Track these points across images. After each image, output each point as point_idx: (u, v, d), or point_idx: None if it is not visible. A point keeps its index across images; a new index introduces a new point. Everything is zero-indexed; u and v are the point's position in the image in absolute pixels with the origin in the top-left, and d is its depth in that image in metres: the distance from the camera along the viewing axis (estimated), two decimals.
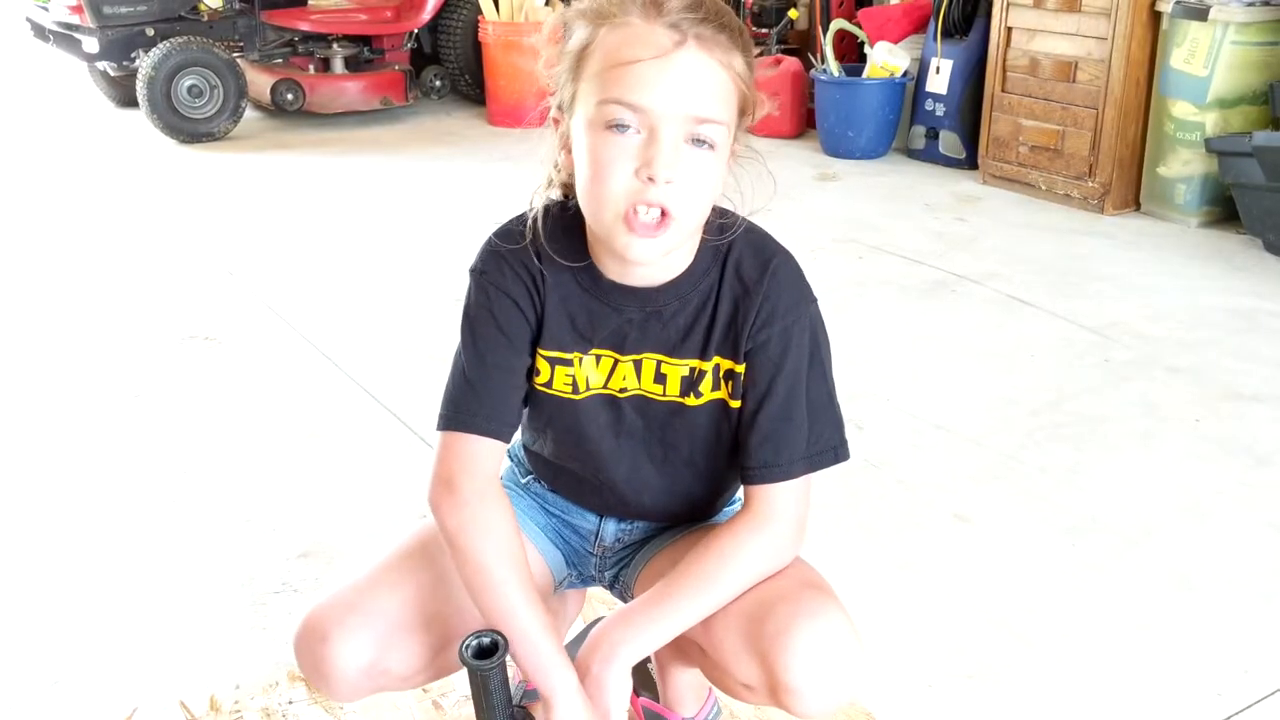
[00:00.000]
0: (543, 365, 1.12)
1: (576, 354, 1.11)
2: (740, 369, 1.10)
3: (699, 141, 0.99)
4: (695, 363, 1.11)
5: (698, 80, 0.98)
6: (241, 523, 1.99)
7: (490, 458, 1.09)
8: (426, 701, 1.51)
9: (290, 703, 1.51)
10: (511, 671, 1.09)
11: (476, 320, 1.10)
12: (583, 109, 1.01)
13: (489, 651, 1.05)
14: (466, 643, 1.05)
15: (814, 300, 1.11)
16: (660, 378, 1.12)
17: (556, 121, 1.07)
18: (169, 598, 1.78)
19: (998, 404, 2.50)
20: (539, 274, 1.09)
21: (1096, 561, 1.91)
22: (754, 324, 1.08)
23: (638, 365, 1.11)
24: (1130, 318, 2.99)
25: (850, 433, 1.14)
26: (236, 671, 1.59)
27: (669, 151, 0.97)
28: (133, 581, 1.83)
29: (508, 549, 1.07)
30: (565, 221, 1.09)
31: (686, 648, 1.17)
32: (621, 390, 1.13)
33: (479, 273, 1.11)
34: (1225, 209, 3.76)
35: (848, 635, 1.06)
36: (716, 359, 1.10)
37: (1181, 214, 3.83)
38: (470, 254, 1.14)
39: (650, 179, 0.98)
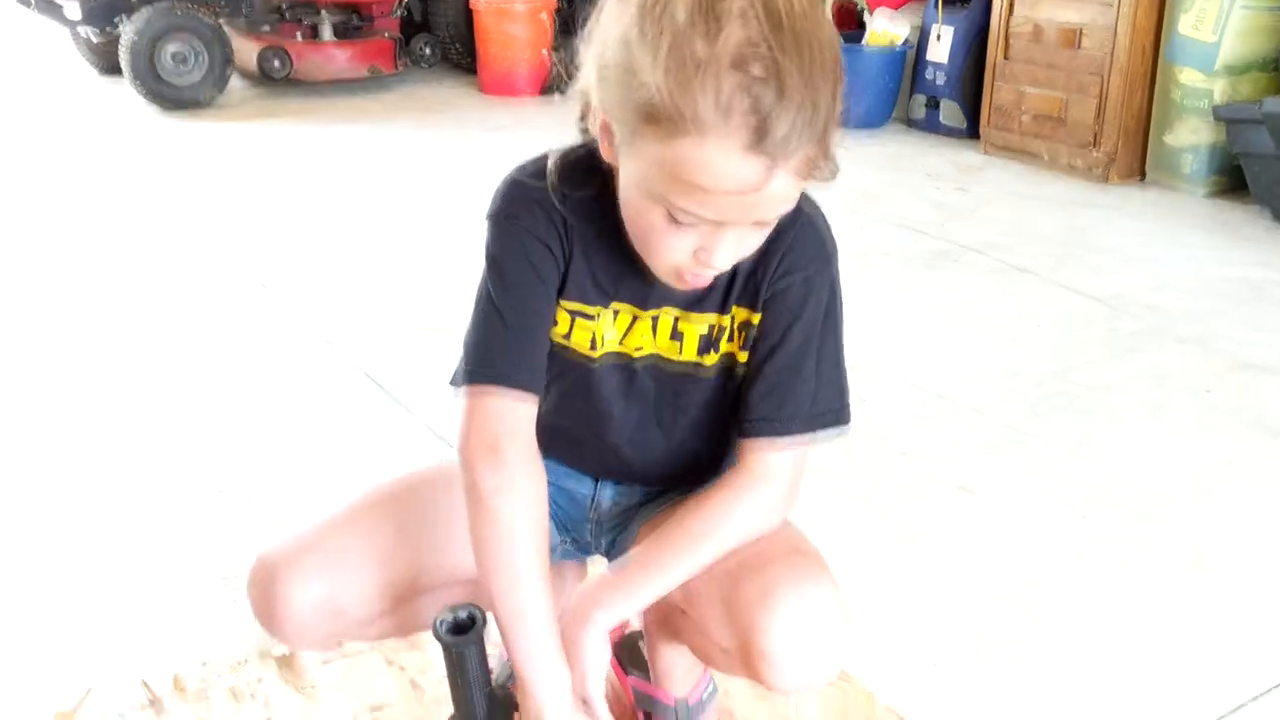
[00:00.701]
0: (563, 317, 1.05)
1: (598, 307, 1.05)
2: (757, 318, 1.04)
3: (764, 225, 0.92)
4: (714, 318, 1.05)
5: (779, 200, 0.88)
6: (214, 494, 1.92)
7: (529, 414, 1.02)
8: (404, 680, 1.43)
9: (260, 681, 1.43)
10: (496, 650, 1.01)
11: (507, 265, 1.02)
12: (635, 169, 0.90)
13: (465, 627, 0.97)
14: (441, 618, 0.97)
15: (837, 257, 1.05)
16: (677, 334, 1.05)
17: (591, 110, 0.94)
18: (134, 570, 1.70)
19: (1002, 375, 2.42)
20: (566, 219, 1.02)
21: (1105, 535, 1.84)
22: (776, 271, 1.02)
23: (655, 321, 1.05)
24: (1136, 288, 2.92)
25: (852, 404, 1.07)
26: (203, 648, 1.51)
27: (732, 246, 0.91)
28: (95, 552, 1.75)
29: (538, 517, 1.01)
30: (587, 167, 1.00)
31: (672, 619, 1.11)
32: (637, 349, 1.06)
33: (506, 216, 1.02)
34: (1233, 178, 3.68)
35: (834, 607, 1.00)
36: (734, 309, 1.04)
37: (1188, 184, 3.75)
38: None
39: (708, 264, 0.92)
